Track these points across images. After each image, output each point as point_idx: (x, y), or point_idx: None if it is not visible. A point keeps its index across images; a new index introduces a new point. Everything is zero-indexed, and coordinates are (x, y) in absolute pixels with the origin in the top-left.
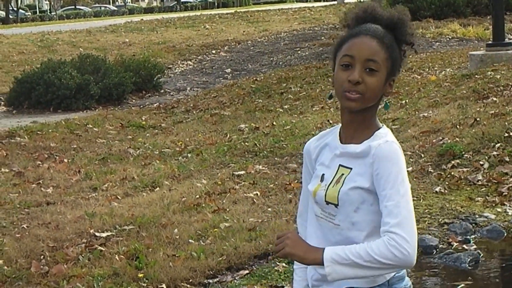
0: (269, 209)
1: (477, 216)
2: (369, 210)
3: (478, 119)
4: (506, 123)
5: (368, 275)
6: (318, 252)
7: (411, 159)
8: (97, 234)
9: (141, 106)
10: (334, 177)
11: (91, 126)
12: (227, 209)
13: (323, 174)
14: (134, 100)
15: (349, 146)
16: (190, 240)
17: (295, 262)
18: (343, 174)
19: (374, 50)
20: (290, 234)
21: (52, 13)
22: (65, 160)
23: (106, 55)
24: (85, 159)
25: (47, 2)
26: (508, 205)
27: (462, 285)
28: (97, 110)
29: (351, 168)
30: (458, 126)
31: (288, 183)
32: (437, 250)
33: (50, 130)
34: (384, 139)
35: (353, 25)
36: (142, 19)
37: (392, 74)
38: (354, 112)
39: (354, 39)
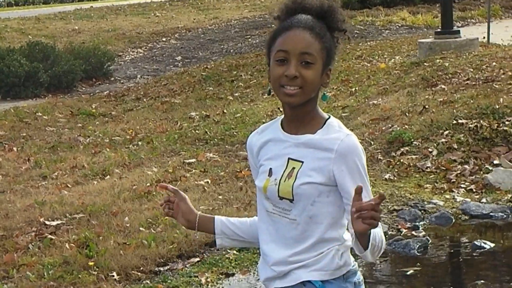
0: (220, 196)
1: (425, 202)
2: (326, 202)
3: (427, 106)
4: (454, 110)
5: (367, 258)
6: None
7: None
8: (47, 222)
9: (91, 94)
10: (284, 171)
11: (40, 114)
12: None
13: (271, 168)
14: (84, 88)
15: (303, 136)
16: (140, 228)
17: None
18: (294, 168)
19: (308, 42)
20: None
21: (0, 0)
22: (14, 149)
23: (56, 43)
24: (35, 147)
25: None
26: (456, 191)
27: (411, 271)
28: (46, 98)
29: (302, 161)
30: (407, 114)
31: (238, 170)
32: (387, 236)
33: None
34: (343, 132)
35: (284, 17)
36: (91, 6)
37: (328, 64)
38: (295, 106)
39: (286, 33)
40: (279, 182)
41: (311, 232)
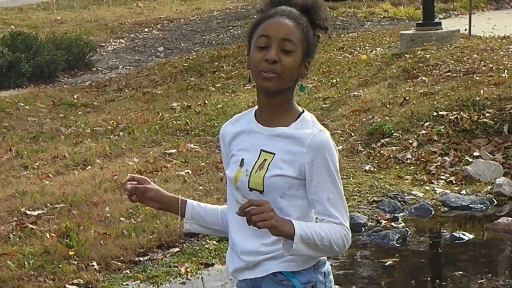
0: (200, 187)
1: (405, 194)
2: (296, 195)
3: (407, 98)
4: (434, 102)
5: (315, 255)
6: (289, 225)
7: (341, 138)
8: (28, 212)
9: (73, 84)
10: (256, 163)
11: (22, 104)
12: None
13: (243, 159)
14: (66, 78)
15: (276, 128)
16: (121, 218)
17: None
18: (265, 160)
19: (290, 29)
20: (269, 205)
21: None
22: None
23: (38, 33)
24: (16, 138)
25: None
26: (436, 183)
27: (390, 262)
28: (28, 88)
29: (274, 154)
30: (387, 105)
31: (219, 161)
32: (366, 227)
33: None
34: (317, 127)
35: (267, 9)
36: None
37: (307, 56)
38: (271, 94)
39: (270, 20)
40: (250, 173)
41: None
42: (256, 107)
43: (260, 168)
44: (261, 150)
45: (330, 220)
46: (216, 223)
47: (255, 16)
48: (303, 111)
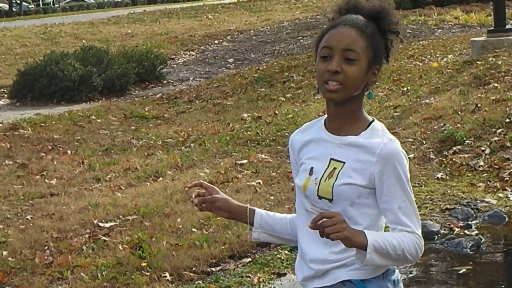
0: (272, 197)
1: (478, 201)
2: (365, 204)
3: (479, 105)
4: (507, 108)
5: (388, 265)
6: (361, 236)
7: (413, 146)
8: (100, 224)
9: (144, 97)
10: (325, 171)
11: (94, 118)
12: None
13: (312, 168)
14: (137, 91)
15: (346, 137)
16: (193, 229)
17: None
18: (335, 168)
19: (353, 39)
20: (341, 217)
21: (56, 6)
22: (69, 152)
23: (109, 47)
24: (89, 150)
25: None
26: (509, 190)
27: (464, 270)
28: (100, 101)
29: (344, 162)
30: (459, 113)
31: (290, 171)
32: (439, 235)
33: (53, 122)
34: (387, 136)
35: (336, 17)
36: (144, 10)
37: (374, 63)
38: (339, 103)
39: (333, 30)
40: (320, 181)
41: None
42: (326, 115)
43: (330, 177)
44: (331, 159)
45: (402, 228)
46: (284, 232)
47: (324, 26)
48: (373, 120)
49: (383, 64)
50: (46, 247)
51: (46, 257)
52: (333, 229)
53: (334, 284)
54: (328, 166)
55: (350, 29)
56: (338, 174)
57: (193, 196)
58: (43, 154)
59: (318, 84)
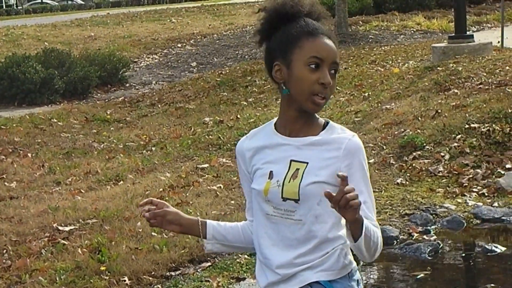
0: (232, 201)
1: (437, 207)
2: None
3: (439, 111)
4: (466, 114)
5: (364, 253)
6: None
7: (373, 151)
8: (60, 228)
9: (106, 100)
10: (287, 173)
11: (55, 121)
12: (191, 202)
13: (271, 171)
14: (99, 94)
15: (307, 138)
16: (152, 233)
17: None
18: (298, 169)
19: (336, 52)
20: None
21: (19, 8)
22: (29, 155)
23: (71, 49)
24: (49, 154)
25: None
26: (468, 196)
27: (422, 274)
28: (61, 104)
29: (307, 162)
30: (419, 118)
31: None
32: (398, 240)
33: (14, 125)
34: (349, 132)
35: (276, 20)
36: (108, 13)
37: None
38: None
39: (315, 39)
40: (283, 183)
41: (315, 232)
42: (273, 120)
43: (294, 178)
44: (291, 161)
45: (370, 222)
46: (237, 240)
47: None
48: (328, 120)
49: None
50: (5, 251)
51: (4, 261)
52: (352, 196)
53: (302, 286)
54: (289, 168)
55: (330, 41)
56: (302, 174)
57: (143, 213)
58: (3, 157)
59: (302, 92)
